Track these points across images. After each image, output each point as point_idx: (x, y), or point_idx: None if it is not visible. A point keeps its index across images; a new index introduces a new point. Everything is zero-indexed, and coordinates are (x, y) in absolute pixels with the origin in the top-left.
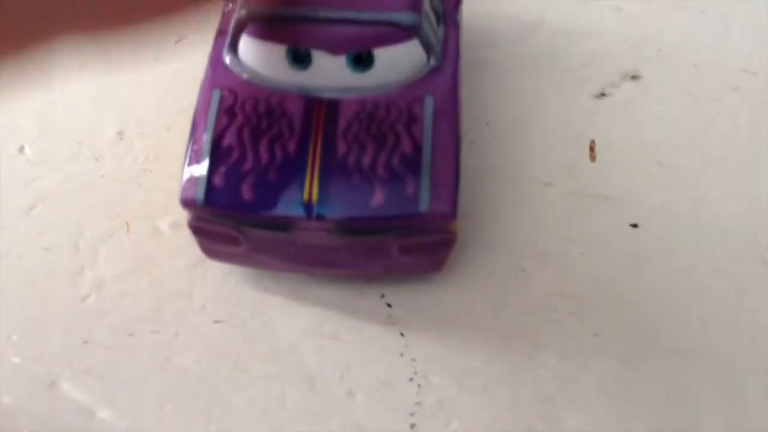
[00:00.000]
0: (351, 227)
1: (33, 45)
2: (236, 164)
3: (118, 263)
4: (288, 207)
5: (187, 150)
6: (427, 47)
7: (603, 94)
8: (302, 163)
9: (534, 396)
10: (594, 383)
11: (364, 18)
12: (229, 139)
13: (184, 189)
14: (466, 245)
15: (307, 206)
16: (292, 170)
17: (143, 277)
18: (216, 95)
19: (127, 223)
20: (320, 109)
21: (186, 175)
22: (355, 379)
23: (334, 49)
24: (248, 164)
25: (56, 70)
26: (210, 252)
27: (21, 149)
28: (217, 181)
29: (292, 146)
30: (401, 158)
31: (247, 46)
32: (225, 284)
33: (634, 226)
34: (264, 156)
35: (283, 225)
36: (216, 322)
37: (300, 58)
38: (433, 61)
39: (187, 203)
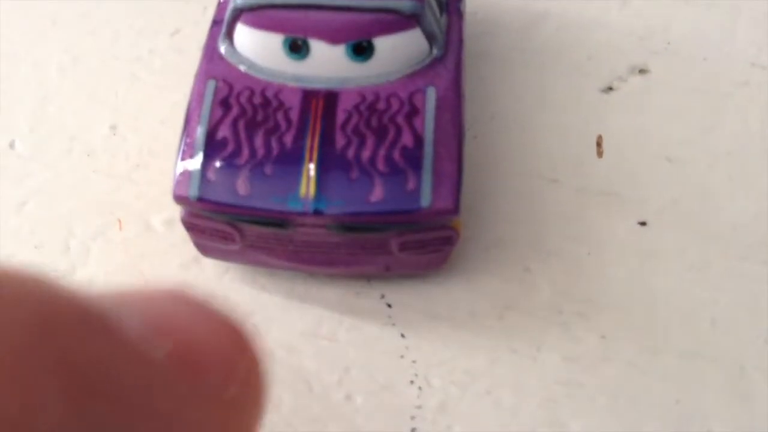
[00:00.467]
0: (350, 223)
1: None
2: (231, 158)
3: (110, 262)
4: (285, 202)
5: (180, 143)
6: (430, 37)
7: (610, 89)
8: (300, 156)
9: (539, 400)
10: (601, 387)
11: (364, 5)
12: (223, 132)
13: (177, 184)
14: (469, 243)
15: (305, 201)
16: (289, 164)
17: (136, 275)
18: (210, 86)
19: (119, 221)
20: (318, 101)
21: (179, 170)
22: (354, 382)
23: (333, 38)
24: (243, 158)
25: (48, 64)
26: (204, 249)
27: (12, 144)
28: (211, 175)
29: (289, 139)
30: (402, 152)
31: (242, 35)
32: (220, 283)
33: (643, 224)
34: (260, 149)
35: (280, 221)
36: None
37: (297, 48)
38: (435, 51)
39: (180, 199)
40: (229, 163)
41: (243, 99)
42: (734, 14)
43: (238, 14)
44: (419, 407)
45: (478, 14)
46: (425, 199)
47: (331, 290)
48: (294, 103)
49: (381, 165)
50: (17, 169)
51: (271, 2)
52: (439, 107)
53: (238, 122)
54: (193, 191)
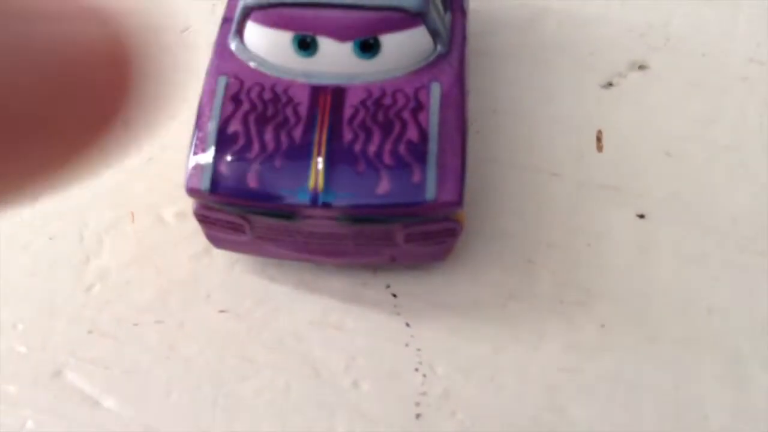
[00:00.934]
0: (357, 215)
1: None
2: (242, 151)
3: (123, 253)
4: (294, 194)
5: (192, 137)
6: (434, 34)
7: (610, 84)
8: (308, 150)
9: (540, 386)
10: (600, 373)
11: (372, 4)
12: (234, 126)
13: (190, 177)
14: (472, 235)
15: (313, 194)
16: (297, 157)
17: (148, 267)
18: (222, 82)
19: (132, 213)
20: (326, 96)
21: (191, 163)
22: (361, 369)
23: (340, 35)
24: (254, 151)
25: None
26: (215, 240)
27: None
28: (223, 168)
29: (297, 133)
30: (407, 146)
31: (252, 32)
32: (230, 274)
33: (642, 216)
34: (270, 143)
35: (289, 213)
36: (221, 311)
37: (306, 45)
38: (439, 48)
39: (192, 191)
40: (240, 156)
41: (253, 94)
42: (734, 10)
43: (248, 12)
44: (424, 394)
45: (481, 12)
46: (430, 193)
47: (338, 280)
48: (303, 98)
49: (387, 159)
50: None
51: (281, 1)
52: (443, 103)
53: (249, 117)
54: (205, 184)
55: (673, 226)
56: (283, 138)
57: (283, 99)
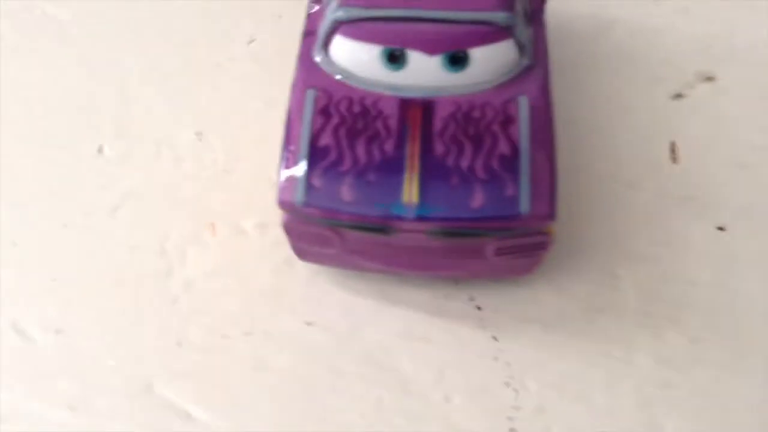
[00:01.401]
0: (451, 229)
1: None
2: (334, 165)
3: (206, 264)
4: (388, 208)
5: (282, 151)
6: (521, 47)
7: (679, 95)
8: (401, 163)
9: (634, 402)
10: (694, 389)
11: (461, 18)
12: (325, 140)
13: (282, 190)
14: (554, 247)
15: (408, 207)
16: (390, 171)
17: (232, 278)
18: (310, 95)
19: (212, 224)
20: (415, 110)
21: (283, 177)
22: (451, 383)
23: (430, 48)
24: (346, 165)
25: (127, 68)
26: (302, 253)
27: (100, 149)
28: (316, 181)
29: (389, 147)
30: (499, 159)
31: (340, 46)
32: (313, 285)
33: (721, 228)
34: (362, 156)
35: (383, 226)
36: (307, 323)
37: (395, 59)
38: (525, 61)
39: (285, 205)
40: (333, 170)
41: (342, 108)
42: None
43: (337, 26)
44: (517, 408)
45: (549, 22)
46: (524, 206)
47: (420, 292)
48: (392, 111)
49: (480, 172)
50: (107, 174)
51: (371, 15)
52: (532, 115)
53: (340, 130)
54: (299, 197)
55: (754, 238)
56: (375, 151)
57: (373, 112)
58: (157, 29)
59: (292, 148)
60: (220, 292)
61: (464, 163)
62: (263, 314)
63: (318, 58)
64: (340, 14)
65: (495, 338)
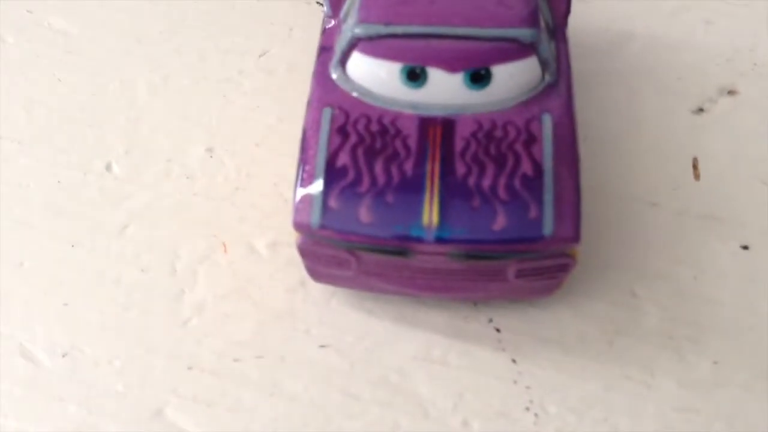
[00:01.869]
0: (472, 251)
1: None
2: (352, 185)
3: (218, 285)
4: (408, 230)
5: (298, 170)
6: (544, 64)
7: (701, 110)
8: (421, 184)
9: (656, 426)
10: (717, 413)
11: (484, 35)
12: (343, 159)
13: (298, 211)
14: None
15: (428, 229)
16: (410, 192)
17: (244, 299)
18: (327, 114)
19: (224, 244)
20: (435, 128)
21: (299, 197)
22: (470, 408)
23: (451, 66)
24: (364, 186)
25: (137, 83)
26: (316, 274)
27: (108, 167)
28: (333, 203)
29: (409, 167)
30: (522, 180)
31: (358, 63)
32: (328, 307)
33: (745, 248)
34: (380, 177)
35: (402, 249)
36: (322, 346)
37: (415, 76)
38: (548, 78)
39: (300, 227)
40: (351, 190)
41: (360, 126)
42: None
43: (355, 43)
44: None
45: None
46: (547, 228)
47: (438, 314)
48: (411, 130)
49: (502, 193)
50: (116, 192)
51: (391, 32)
52: (555, 134)
53: (357, 150)
54: (315, 219)
55: None
56: (394, 171)
57: (391, 131)
58: (165, 43)
59: (308, 168)
60: (231, 314)
61: (486, 184)
62: (276, 337)
63: (335, 75)
64: (359, 31)
65: (514, 361)
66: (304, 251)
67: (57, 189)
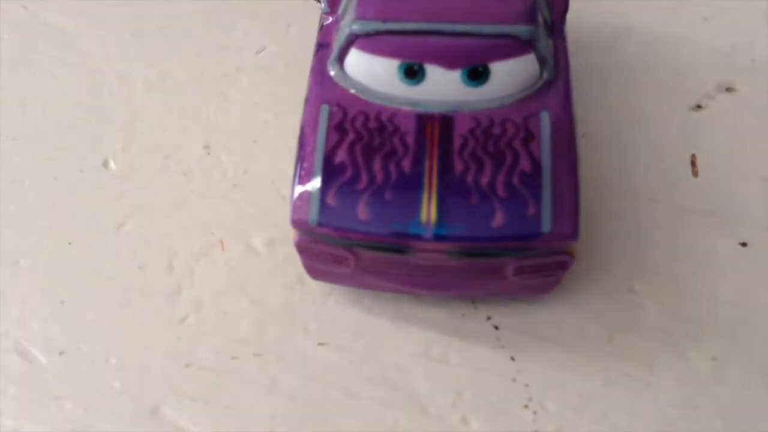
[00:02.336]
0: (471, 249)
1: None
2: (350, 183)
3: (216, 283)
4: (406, 228)
5: (296, 168)
6: (542, 61)
7: (699, 106)
8: (419, 181)
9: (656, 423)
10: (716, 409)
11: (481, 31)
12: (340, 157)
13: (296, 209)
14: (573, 264)
15: (426, 227)
16: (408, 189)
17: (242, 297)
18: (324, 111)
19: (222, 241)
20: (433, 125)
21: (296, 195)
22: (468, 405)
23: (449, 63)
24: (362, 183)
25: (133, 79)
26: (314, 272)
27: (105, 163)
28: (331, 200)
29: (407, 164)
30: (521, 177)
31: (356, 60)
32: (326, 304)
33: (744, 244)
34: (378, 174)
35: (400, 246)
36: (320, 344)
37: (413, 73)
38: (546, 75)
39: (298, 224)
40: (349, 188)
41: (358, 123)
42: None
43: (353, 39)
44: (536, 431)
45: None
46: (546, 225)
47: (436, 312)
48: (409, 127)
49: (500, 190)
50: (113, 189)
51: (389, 28)
52: (553, 131)
53: (355, 147)
54: (312, 216)
55: None
56: (392, 168)
57: (389, 128)
58: (163, 40)
59: (305, 165)
60: (229, 311)
61: (484, 181)
62: (274, 335)
63: (332, 72)
64: (357, 28)
65: (513, 358)
66: (302, 249)
67: (53, 186)
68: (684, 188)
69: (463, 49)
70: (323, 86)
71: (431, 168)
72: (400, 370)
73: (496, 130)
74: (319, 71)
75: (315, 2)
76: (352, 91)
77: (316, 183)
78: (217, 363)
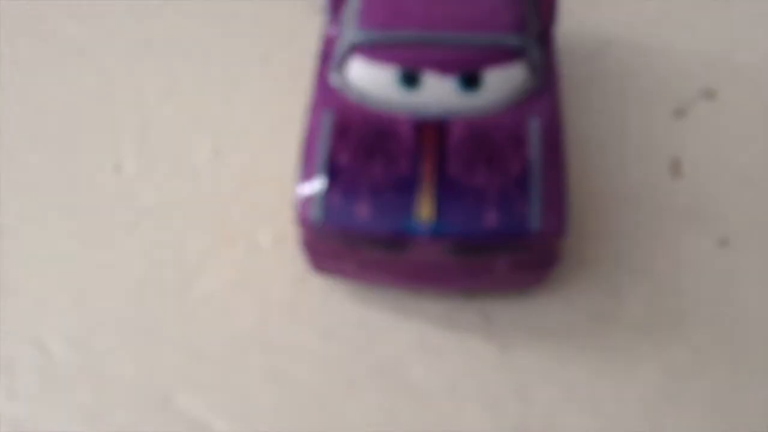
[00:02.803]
0: (465, 245)
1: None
2: (352, 184)
3: (223, 278)
4: (404, 225)
5: (301, 170)
6: (534, 68)
7: (681, 112)
8: (416, 182)
9: (641, 411)
10: (697, 398)
11: (475, 40)
12: (343, 160)
13: (301, 208)
14: (562, 261)
15: (423, 225)
16: (406, 189)
17: (249, 291)
18: (327, 116)
19: (230, 240)
20: (430, 130)
21: (301, 195)
22: (462, 394)
23: (445, 70)
24: (363, 184)
25: (146, 87)
26: (318, 268)
27: (118, 167)
28: (334, 200)
29: (405, 166)
30: (512, 179)
31: (356, 67)
32: (329, 299)
33: (724, 243)
34: (378, 176)
35: (399, 243)
36: (323, 336)
37: (411, 80)
38: (536, 82)
39: (304, 222)
40: (351, 189)
41: (359, 128)
42: None
43: (353, 48)
44: (526, 419)
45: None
46: (535, 223)
47: (432, 305)
48: (407, 132)
49: (493, 191)
50: (126, 191)
51: (389, 38)
52: (543, 136)
53: (356, 150)
54: (317, 215)
55: (756, 252)
56: (391, 171)
57: (388, 133)
58: (173, 48)
59: (310, 167)
60: (238, 305)
61: (477, 182)
62: (279, 327)
63: (334, 80)
64: (359, 37)
65: (504, 349)
66: (307, 246)
67: (68, 189)
68: (666, 190)
69: (458, 57)
70: (326, 93)
71: (428, 170)
72: (398, 361)
73: (489, 135)
74: (321, 78)
75: (318, 12)
76: (353, 97)
77: (320, 184)
78: (225, 354)
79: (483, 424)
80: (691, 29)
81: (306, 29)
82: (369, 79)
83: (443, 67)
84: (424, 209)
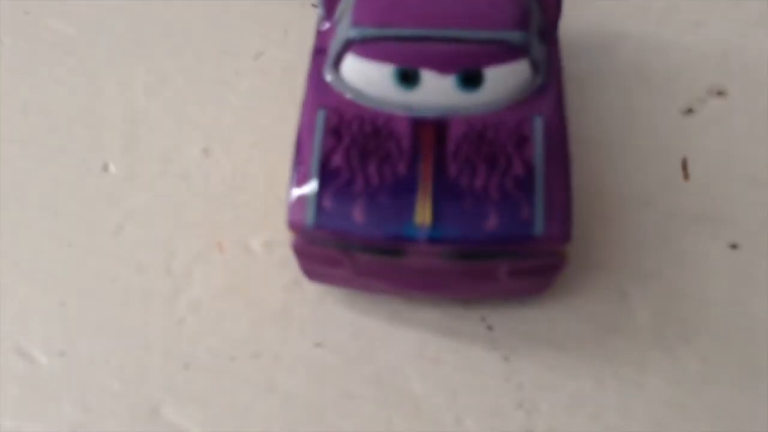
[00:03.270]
0: (464, 251)
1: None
2: (346, 186)
3: (213, 284)
4: (401, 230)
5: (293, 171)
6: (535, 66)
7: (690, 110)
8: (414, 184)
9: (646, 423)
10: (706, 409)
11: (475, 37)
12: (336, 160)
13: (292, 211)
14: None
15: (420, 229)
16: (403, 192)
17: (240, 298)
18: (320, 115)
19: (220, 243)
20: (428, 130)
21: (293, 197)
22: (462, 405)
23: (444, 68)
24: (358, 186)
25: (134, 84)
26: (311, 274)
27: (105, 167)
28: (327, 203)
29: (402, 167)
30: (514, 180)
31: (352, 65)
32: (322, 306)
33: (734, 246)
34: (374, 177)
35: (395, 248)
36: (316, 345)
37: (408, 78)
38: (539, 80)
39: (295, 226)
40: (344, 191)
41: (354, 128)
42: None
43: (349, 45)
44: (529, 430)
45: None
46: (538, 227)
47: (430, 313)
48: (404, 132)
49: (494, 193)
50: (112, 192)
51: (384, 34)
52: (546, 135)
53: (351, 151)
54: (309, 219)
55: (767, 256)
56: (387, 172)
57: (384, 132)
58: (162, 45)
59: (302, 168)
60: (228, 312)
61: (478, 184)
62: (272, 335)
63: (329, 77)
64: (353, 34)
65: (506, 359)
66: (299, 251)
67: (54, 189)
68: (675, 191)
69: (456, 54)
70: (319, 91)
71: (426, 172)
72: (395, 370)
73: (490, 134)
74: (315, 76)
75: (312, 8)
76: (348, 95)
77: (312, 186)
78: (216, 363)
79: None
80: (701, 25)
81: (300, 25)
82: (364, 77)
83: (442, 64)
84: (422, 213)
